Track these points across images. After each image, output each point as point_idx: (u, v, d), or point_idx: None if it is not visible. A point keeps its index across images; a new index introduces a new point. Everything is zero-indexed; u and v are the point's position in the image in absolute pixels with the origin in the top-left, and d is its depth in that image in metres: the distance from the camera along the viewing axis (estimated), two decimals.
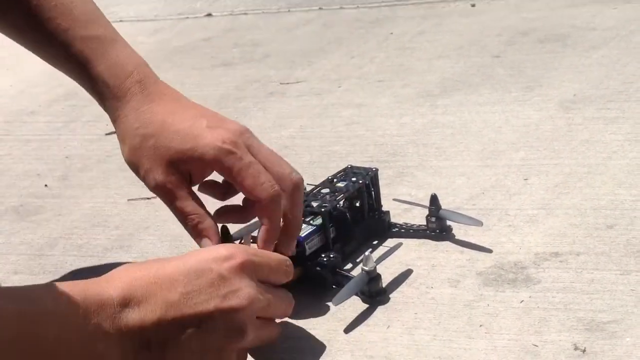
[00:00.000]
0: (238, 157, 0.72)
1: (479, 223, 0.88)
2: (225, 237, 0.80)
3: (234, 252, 0.66)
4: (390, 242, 0.91)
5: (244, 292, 0.64)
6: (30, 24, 0.77)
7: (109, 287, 0.61)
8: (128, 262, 0.67)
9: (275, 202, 0.72)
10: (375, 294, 0.81)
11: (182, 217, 0.75)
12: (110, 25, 0.79)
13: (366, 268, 0.79)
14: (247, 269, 0.66)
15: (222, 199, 0.81)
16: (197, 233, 0.75)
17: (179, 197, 0.74)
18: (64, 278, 0.94)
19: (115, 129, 0.77)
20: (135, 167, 0.75)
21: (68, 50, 0.76)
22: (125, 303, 0.60)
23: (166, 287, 0.61)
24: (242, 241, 0.82)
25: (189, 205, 0.74)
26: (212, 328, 0.63)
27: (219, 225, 0.78)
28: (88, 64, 0.75)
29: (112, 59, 0.75)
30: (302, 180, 0.76)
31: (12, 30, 0.80)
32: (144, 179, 0.75)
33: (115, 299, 0.60)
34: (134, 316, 0.60)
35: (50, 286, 0.60)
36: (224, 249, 0.67)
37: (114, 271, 0.64)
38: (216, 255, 0.65)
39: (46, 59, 0.81)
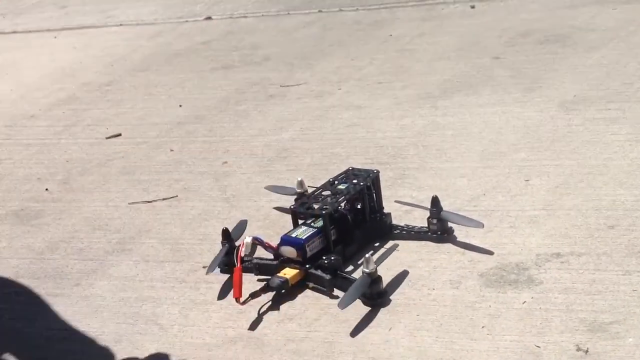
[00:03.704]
0: None
1: (480, 225, 0.88)
2: (227, 238, 0.80)
3: None
4: (391, 244, 0.91)
5: None
6: None
7: None
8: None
9: None
10: (376, 295, 0.81)
11: None
12: None
13: (367, 270, 0.79)
14: None
15: None
16: None
17: None
18: (66, 281, 0.94)
19: None
20: None
21: None
22: None
23: None
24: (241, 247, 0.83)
25: None
26: None
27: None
28: None
29: None
30: None
31: None
32: None
33: None
34: None
35: None
36: None
37: None
38: None
39: None
